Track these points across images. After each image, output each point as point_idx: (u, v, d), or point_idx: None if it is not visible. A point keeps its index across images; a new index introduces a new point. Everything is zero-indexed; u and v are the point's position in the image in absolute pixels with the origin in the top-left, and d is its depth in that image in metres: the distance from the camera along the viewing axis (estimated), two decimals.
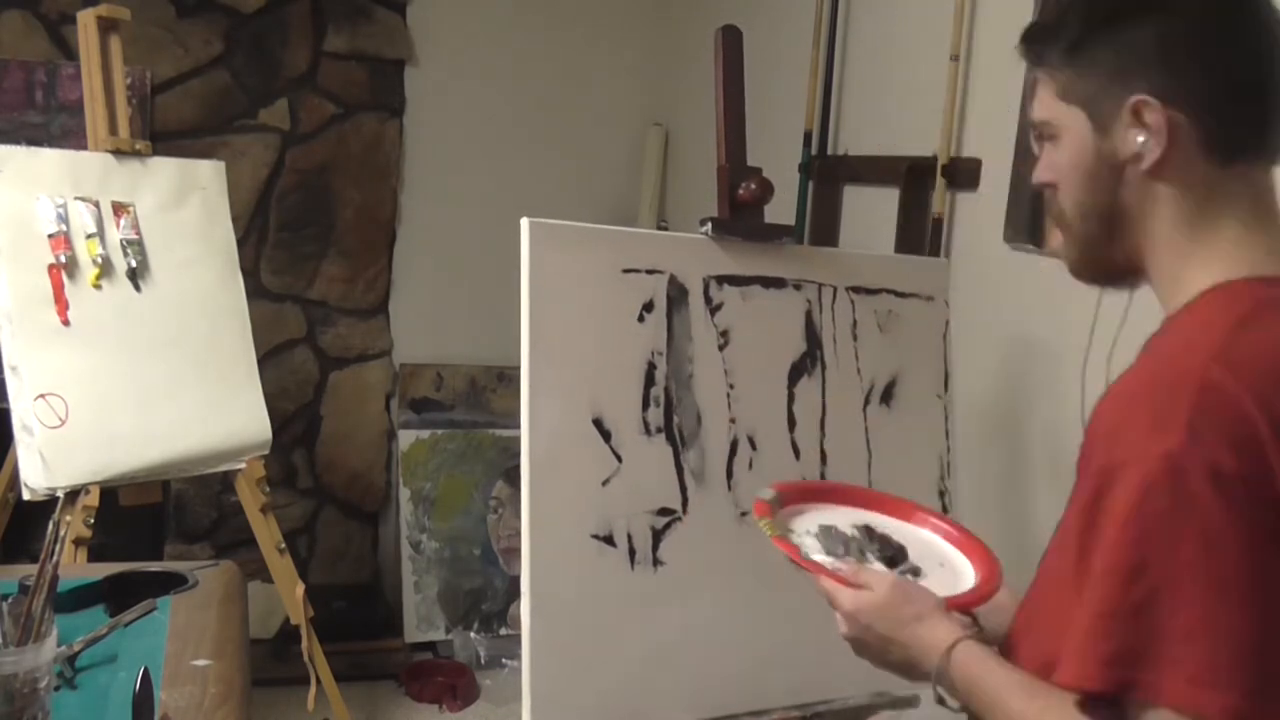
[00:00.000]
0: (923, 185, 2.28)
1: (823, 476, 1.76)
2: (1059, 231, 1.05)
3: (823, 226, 2.69)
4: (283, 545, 2.45)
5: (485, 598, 3.39)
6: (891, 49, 2.48)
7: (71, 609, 1.44)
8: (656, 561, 1.63)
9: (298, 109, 3.31)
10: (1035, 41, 1.04)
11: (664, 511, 1.64)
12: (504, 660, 3.24)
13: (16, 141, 2.67)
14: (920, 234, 2.28)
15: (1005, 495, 2.12)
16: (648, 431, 1.63)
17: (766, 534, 1.13)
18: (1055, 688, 0.87)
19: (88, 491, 2.13)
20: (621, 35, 3.63)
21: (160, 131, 3.09)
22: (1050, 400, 1.95)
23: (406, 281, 3.51)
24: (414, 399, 3.52)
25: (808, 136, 2.71)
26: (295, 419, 3.42)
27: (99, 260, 2.24)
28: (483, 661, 3.27)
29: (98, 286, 2.24)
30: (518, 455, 1.54)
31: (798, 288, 1.78)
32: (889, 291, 1.86)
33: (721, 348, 1.70)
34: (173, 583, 1.54)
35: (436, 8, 3.41)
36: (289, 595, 2.45)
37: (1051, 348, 1.95)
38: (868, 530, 1.21)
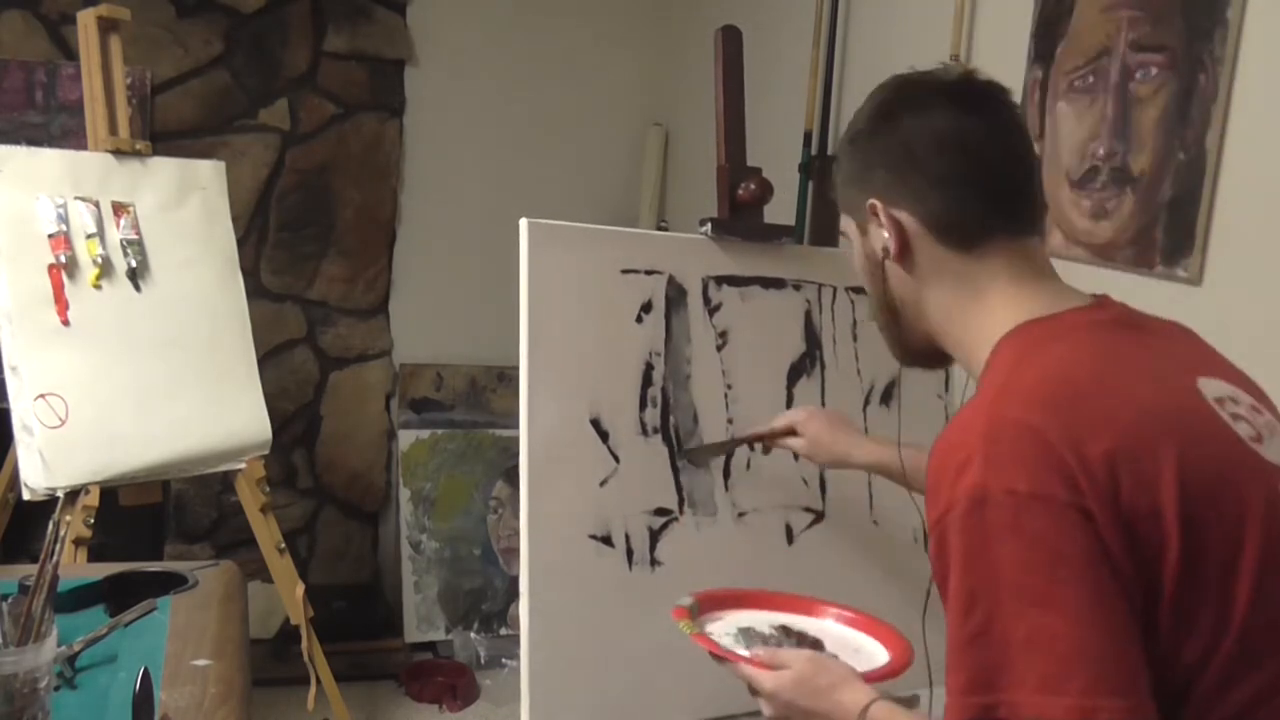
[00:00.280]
0: None
1: (821, 477, 1.77)
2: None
3: (823, 227, 2.69)
4: (283, 545, 2.45)
5: (485, 598, 3.39)
6: (891, 49, 2.48)
7: (71, 609, 1.44)
8: (654, 562, 1.63)
9: (298, 109, 3.31)
10: (829, 182, 1.19)
11: (661, 511, 1.64)
12: (504, 660, 3.24)
13: (16, 141, 2.68)
14: None
15: None
16: (645, 432, 1.63)
17: (685, 633, 1.24)
18: None
19: (88, 491, 2.13)
20: (621, 35, 3.63)
21: (160, 131, 3.09)
22: None
23: (406, 281, 3.51)
24: (414, 399, 3.52)
25: (808, 136, 2.71)
26: (295, 419, 3.42)
27: (99, 260, 2.24)
28: (483, 661, 3.27)
29: (98, 286, 2.24)
30: (517, 455, 1.54)
31: (797, 288, 1.78)
32: None
33: (720, 348, 1.70)
34: (173, 583, 1.54)
35: (436, 8, 3.41)
36: (289, 595, 2.46)
37: None
38: (784, 629, 1.31)
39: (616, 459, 1.60)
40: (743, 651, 1.22)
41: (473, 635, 3.32)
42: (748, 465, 1.71)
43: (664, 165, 3.67)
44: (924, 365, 1.21)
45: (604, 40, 3.61)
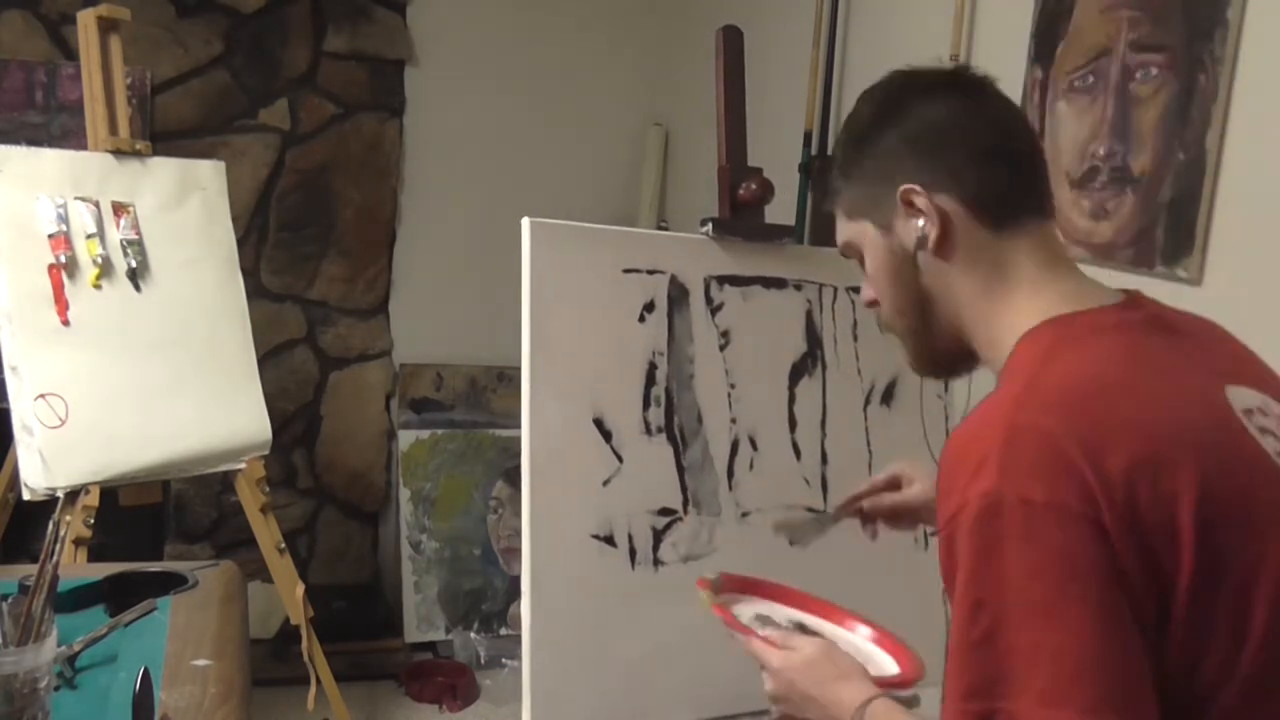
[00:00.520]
0: None
1: (823, 477, 1.77)
2: (902, 345, 1.15)
3: (823, 227, 2.69)
4: (283, 545, 2.45)
5: (485, 598, 3.39)
6: (891, 49, 2.48)
7: (71, 609, 1.44)
8: (657, 561, 1.63)
9: (298, 109, 3.31)
10: (823, 189, 1.13)
11: (664, 511, 1.64)
12: (504, 660, 3.24)
13: (16, 141, 2.68)
14: None
15: None
16: (648, 431, 1.63)
17: (705, 602, 1.23)
18: None
19: (88, 491, 2.13)
20: (622, 35, 3.63)
21: (160, 131, 3.09)
22: None
23: (406, 281, 3.51)
24: (414, 399, 3.51)
25: (808, 136, 2.71)
26: (295, 419, 3.42)
27: (99, 260, 2.24)
28: (483, 661, 3.27)
29: (98, 286, 2.24)
30: (518, 455, 1.54)
31: (798, 288, 1.78)
32: None
33: (722, 348, 1.71)
34: (173, 583, 1.54)
35: (436, 8, 3.41)
36: (289, 595, 2.45)
37: None
38: (800, 626, 1.30)
39: (620, 459, 1.60)
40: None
41: (473, 635, 3.32)
42: (751, 465, 1.71)
43: (664, 165, 3.67)
44: (947, 373, 1.17)
45: (604, 40, 3.61)
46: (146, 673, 1.23)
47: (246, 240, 3.23)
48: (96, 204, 2.27)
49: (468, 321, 3.51)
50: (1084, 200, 1.85)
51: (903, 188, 1.04)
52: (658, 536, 1.63)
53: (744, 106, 1.77)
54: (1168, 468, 0.85)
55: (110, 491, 2.24)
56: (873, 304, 1.14)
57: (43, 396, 2.11)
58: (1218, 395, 0.94)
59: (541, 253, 1.55)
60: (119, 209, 2.31)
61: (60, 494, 2.08)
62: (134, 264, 2.29)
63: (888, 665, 1.25)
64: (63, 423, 2.12)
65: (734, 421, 1.70)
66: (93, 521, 2.13)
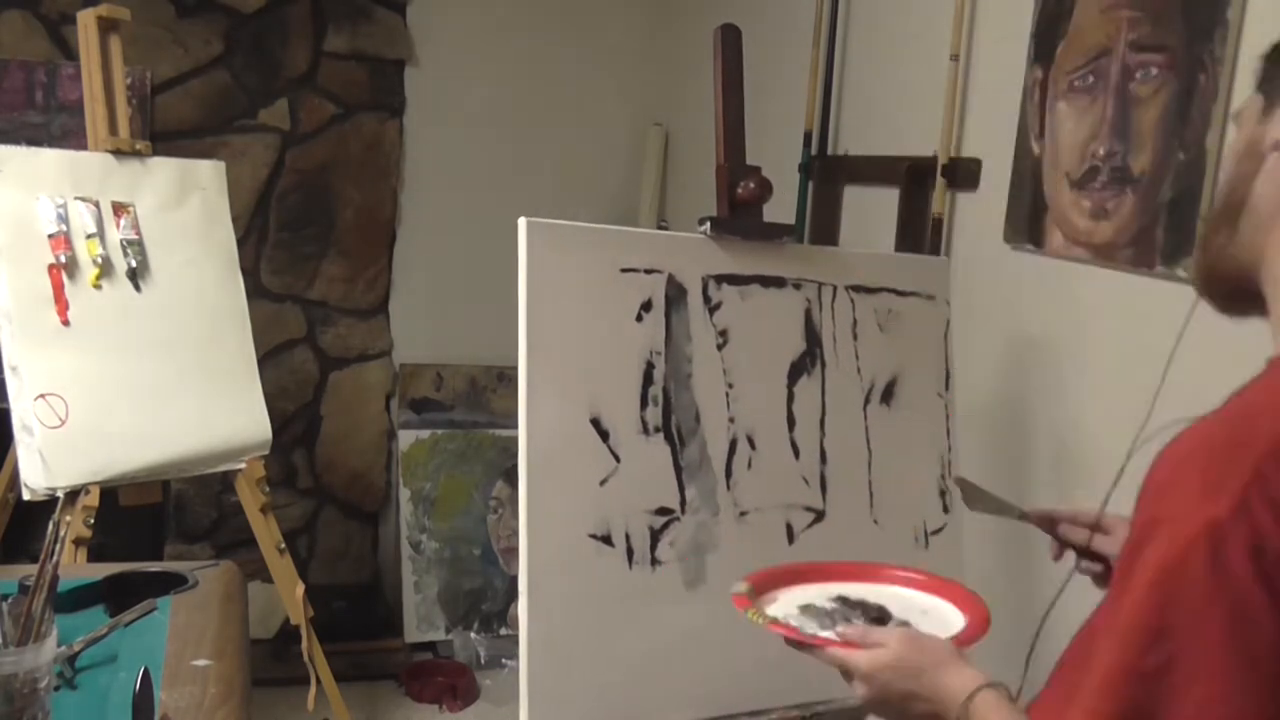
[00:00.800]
0: (923, 185, 2.28)
1: (822, 476, 1.76)
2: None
3: (823, 226, 2.69)
4: (283, 545, 2.45)
5: (485, 598, 3.39)
6: (891, 49, 2.48)
7: (71, 609, 1.44)
8: (655, 561, 1.63)
9: (298, 109, 3.31)
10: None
11: (662, 511, 1.64)
12: (504, 660, 3.24)
13: (16, 141, 2.68)
14: (920, 234, 2.28)
15: (1006, 494, 2.11)
16: (646, 431, 1.63)
17: (759, 624, 1.14)
18: None
19: (87, 491, 2.13)
20: (621, 35, 3.63)
21: (160, 131, 3.10)
22: (1051, 400, 1.95)
23: (406, 281, 3.51)
24: (414, 399, 3.52)
25: (808, 136, 2.71)
26: (295, 419, 3.42)
27: (99, 260, 2.24)
28: (483, 661, 3.27)
29: (98, 286, 2.24)
30: (517, 455, 1.54)
31: (797, 287, 1.78)
32: (889, 290, 1.86)
33: (720, 347, 1.70)
34: (173, 583, 1.54)
35: (436, 8, 3.41)
36: (289, 595, 2.45)
37: (1052, 347, 1.95)
38: (843, 600, 1.22)
39: (617, 458, 1.60)
40: (820, 632, 1.13)
41: (473, 635, 3.32)
42: (749, 465, 1.71)
43: (664, 165, 3.67)
44: (1222, 302, 1.01)
45: (604, 40, 3.61)
46: (146, 673, 1.23)
47: (246, 240, 3.23)
48: (96, 204, 2.27)
49: (468, 321, 3.51)
50: (1084, 200, 1.85)
51: None
52: (655, 536, 1.63)
53: (742, 105, 1.77)
54: None
55: (110, 491, 2.24)
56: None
57: (43, 396, 2.11)
58: None
59: (538, 252, 1.55)
60: (119, 209, 2.31)
61: (60, 494, 2.09)
62: (134, 264, 2.29)
63: (947, 612, 1.20)
64: (63, 423, 2.12)
65: (732, 421, 1.70)
66: (93, 521, 2.13)
